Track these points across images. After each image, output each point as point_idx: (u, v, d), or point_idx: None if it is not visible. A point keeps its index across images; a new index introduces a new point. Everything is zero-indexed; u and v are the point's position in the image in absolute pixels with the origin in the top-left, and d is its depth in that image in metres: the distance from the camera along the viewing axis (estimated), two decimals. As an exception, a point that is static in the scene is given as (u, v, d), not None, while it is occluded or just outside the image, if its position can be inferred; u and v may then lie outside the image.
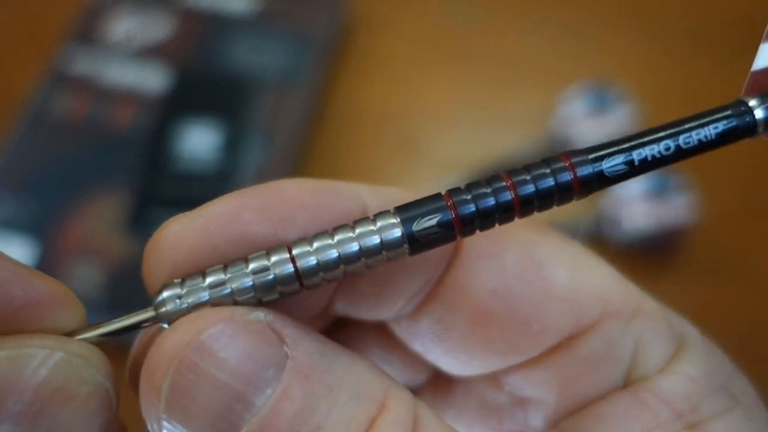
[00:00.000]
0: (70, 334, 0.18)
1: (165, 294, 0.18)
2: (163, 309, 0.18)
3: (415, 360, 0.24)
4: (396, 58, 0.64)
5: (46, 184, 0.54)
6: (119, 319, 0.18)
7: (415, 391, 0.24)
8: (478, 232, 0.18)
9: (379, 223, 0.18)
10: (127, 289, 0.50)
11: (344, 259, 0.18)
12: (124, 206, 0.53)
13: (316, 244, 0.18)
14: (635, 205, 0.53)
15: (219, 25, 0.61)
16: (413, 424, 0.17)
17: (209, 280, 0.18)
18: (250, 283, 0.18)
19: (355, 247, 0.18)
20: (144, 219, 0.52)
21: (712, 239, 0.56)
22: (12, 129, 0.56)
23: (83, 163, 0.54)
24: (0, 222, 0.52)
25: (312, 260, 0.18)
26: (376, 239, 0.18)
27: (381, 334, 0.23)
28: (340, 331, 0.23)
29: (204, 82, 0.58)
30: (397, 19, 0.66)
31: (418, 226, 0.18)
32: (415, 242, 0.18)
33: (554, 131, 0.58)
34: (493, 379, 0.23)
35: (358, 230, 0.18)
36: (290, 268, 0.18)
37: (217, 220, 0.19)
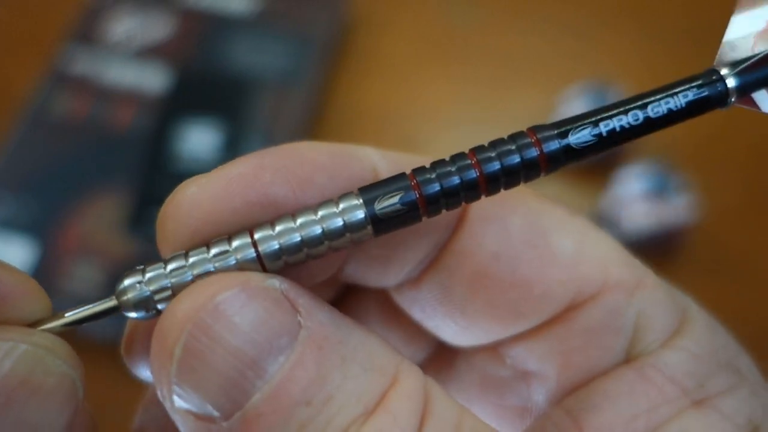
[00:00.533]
0: (34, 324, 0.18)
1: (126, 282, 0.18)
2: (125, 297, 0.18)
3: (416, 334, 0.24)
4: (396, 58, 0.64)
5: (46, 184, 0.54)
6: (82, 308, 0.18)
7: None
8: (444, 211, 0.18)
9: (342, 205, 0.18)
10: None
11: (307, 243, 0.18)
12: (124, 206, 0.53)
13: (278, 228, 0.18)
14: (635, 205, 0.53)
15: (219, 25, 0.61)
16: (423, 398, 0.17)
17: (171, 266, 0.18)
18: (212, 269, 0.17)
19: (317, 230, 0.18)
20: (144, 219, 0.52)
21: (712, 239, 0.56)
22: (12, 129, 0.56)
23: (83, 163, 0.54)
24: (0, 222, 0.52)
25: (274, 244, 0.17)
26: (338, 222, 0.18)
27: (382, 308, 0.23)
28: (342, 306, 0.23)
29: (204, 82, 0.58)
30: (397, 19, 0.66)
31: (381, 207, 0.18)
32: (379, 223, 0.18)
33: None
34: (495, 352, 0.23)
35: (320, 213, 0.18)
36: (252, 253, 0.17)
37: (237, 181, 0.18)
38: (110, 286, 0.51)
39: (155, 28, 0.60)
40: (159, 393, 0.17)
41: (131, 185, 0.53)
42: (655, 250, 0.54)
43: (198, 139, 0.55)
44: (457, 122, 0.61)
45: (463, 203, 0.18)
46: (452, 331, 0.22)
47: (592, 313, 0.21)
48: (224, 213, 0.18)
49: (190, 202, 0.18)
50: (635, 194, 0.53)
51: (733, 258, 0.56)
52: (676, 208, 0.53)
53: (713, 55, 0.22)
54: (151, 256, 0.18)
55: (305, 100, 0.58)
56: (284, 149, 0.19)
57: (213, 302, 0.16)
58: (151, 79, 0.58)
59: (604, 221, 0.55)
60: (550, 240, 0.21)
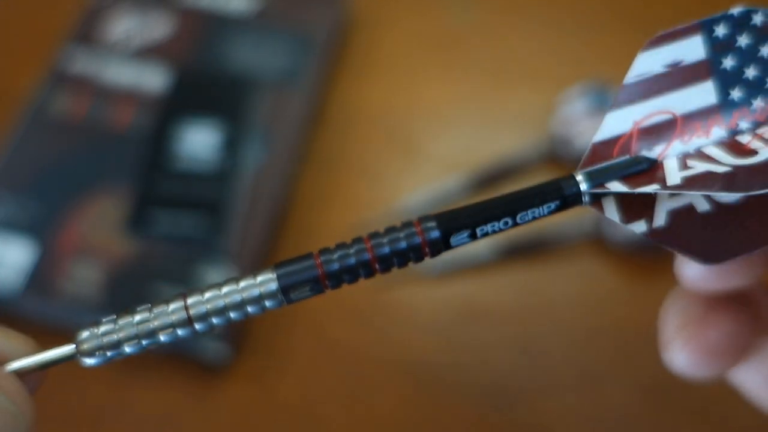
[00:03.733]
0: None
1: (84, 334, 0.22)
2: (82, 347, 0.22)
3: None
4: (396, 58, 0.64)
5: (46, 184, 0.53)
6: (45, 353, 0.22)
7: None
8: (346, 283, 0.22)
9: (259, 278, 0.22)
10: (126, 289, 0.50)
11: (229, 307, 0.21)
12: (124, 206, 0.52)
13: (206, 295, 0.22)
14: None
15: (219, 25, 0.61)
16: None
17: (120, 322, 0.22)
18: (151, 327, 0.22)
19: (237, 298, 0.21)
20: (144, 219, 0.52)
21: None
22: (12, 129, 0.56)
23: (83, 163, 0.54)
24: (0, 222, 0.52)
25: (202, 309, 0.22)
26: (256, 291, 0.21)
27: None
28: None
29: (204, 82, 0.58)
30: (397, 19, 0.66)
31: (291, 280, 0.21)
32: (288, 293, 0.22)
33: (554, 131, 0.58)
34: None
35: (242, 284, 0.22)
36: (184, 314, 0.22)
37: None
38: (110, 286, 0.51)
39: (154, 27, 0.60)
40: None
41: (131, 185, 0.53)
42: (651, 250, 0.54)
43: (198, 138, 0.55)
44: (456, 122, 0.61)
45: (362, 278, 0.22)
46: None
47: None
48: None
49: None
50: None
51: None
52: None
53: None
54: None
55: (305, 100, 0.58)
56: None
57: None
58: (150, 79, 0.58)
59: (604, 223, 0.55)
60: None
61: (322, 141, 0.59)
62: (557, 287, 0.54)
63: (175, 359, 0.50)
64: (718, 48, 0.21)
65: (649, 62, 0.22)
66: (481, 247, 0.54)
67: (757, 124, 0.21)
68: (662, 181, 0.20)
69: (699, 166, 0.21)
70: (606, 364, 0.51)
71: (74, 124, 0.56)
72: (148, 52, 0.59)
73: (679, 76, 0.22)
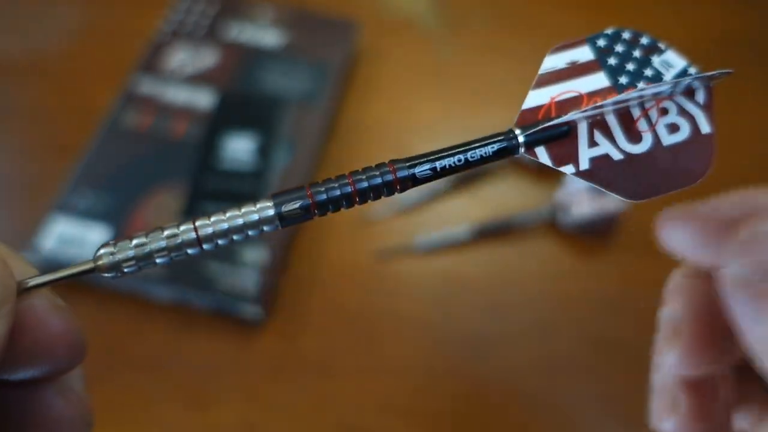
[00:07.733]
0: (27, 281, 0.19)
1: (102, 251, 0.19)
2: (100, 262, 0.19)
3: None
4: (393, 82, 0.64)
5: (119, 181, 0.53)
6: (67, 269, 0.19)
7: None
8: (330, 212, 0.20)
9: (258, 205, 0.20)
10: (182, 264, 0.50)
11: (232, 230, 0.20)
12: (180, 198, 0.52)
13: (212, 219, 0.20)
14: (581, 197, 0.53)
15: (254, 56, 0.60)
16: None
17: (134, 242, 0.19)
18: (165, 245, 0.19)
19: (240, 221, 0.20)
20: (195, 208, 0.52)
21: (640, 223, 0.56)
22: (92, 138, 0.56)
23: (148, 165, 0.54)
24: (83, 212, 0.52)
25: (209, 230, 0.20)
26: (255, 216, 0.20)
27: None
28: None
29: (242, 101, 0.58)
30: (395, 52, 0.66)
31: (286, 207, 0.20)
32: (283, 219, 0.20)
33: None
34: None
35: (243, 210, 0.20)
36: (193, 234, 0.19)
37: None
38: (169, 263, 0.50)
39: (204, 58, 0.60)
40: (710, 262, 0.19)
41: (185, 182, 0.53)
42: (596, 232, 0.54)
43: (237, 145, 0.55)
44: (441, 134, 0.61)
45: (343, 208, 0.20)
46: None
47: None
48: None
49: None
50: (581, 189, 0.53)
51: (655, 239, 0.55)
52: (613, 200, 0.53)
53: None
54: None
55: (322, 115, 0.58)
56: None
57: None
58: (200, 99, 0.58)
59: (558, 209, 0.54)
60: None
61: (335, 147, 0.59)
62: (519, 262, 0.54)
63: (219, 318, 0.50)
64: (601, 52, 0.22)
65: (554, 61, 0.23)
66: (460, 230, 0.54)
67: (644, 99, 0.22)
68: (575, 161, 0.21)
69: (602, 144, 0.21)
70: (555, 321, 0.51)
71: (141, 133, 0.56)
72: (199, 78, 0.59)
73: (577, 70, 0.22)
